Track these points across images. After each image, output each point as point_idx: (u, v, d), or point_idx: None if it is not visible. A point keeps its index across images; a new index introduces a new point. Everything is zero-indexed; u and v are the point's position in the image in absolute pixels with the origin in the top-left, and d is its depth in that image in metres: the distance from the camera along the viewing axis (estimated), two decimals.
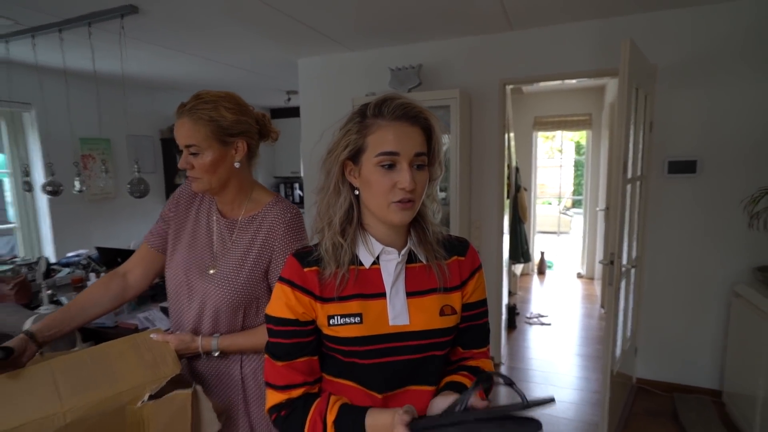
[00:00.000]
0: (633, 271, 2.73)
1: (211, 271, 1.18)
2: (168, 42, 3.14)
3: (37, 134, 3.82)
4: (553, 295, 5.21)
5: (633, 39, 2.09)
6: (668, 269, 2.83)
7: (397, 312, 0.80)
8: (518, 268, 5.35)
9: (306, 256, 0.83)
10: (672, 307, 2.85)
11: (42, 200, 3.96)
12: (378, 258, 0.82)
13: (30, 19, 2.61)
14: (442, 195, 2.99)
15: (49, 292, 2.49)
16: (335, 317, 0.80)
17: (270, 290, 1.19)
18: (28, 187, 3.01)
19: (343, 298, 0.80)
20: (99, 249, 3.15)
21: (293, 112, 6.41)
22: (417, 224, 0.85)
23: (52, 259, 3.62)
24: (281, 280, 0.83)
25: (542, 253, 6.23)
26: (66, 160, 3.54)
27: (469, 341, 0.91)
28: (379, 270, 0.82)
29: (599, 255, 5.19)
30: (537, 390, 3.05)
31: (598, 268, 5.27)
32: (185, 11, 2.54)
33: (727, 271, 2.67)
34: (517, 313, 4.34)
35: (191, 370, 1.23)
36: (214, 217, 1.23)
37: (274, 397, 0.83)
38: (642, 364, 2.97)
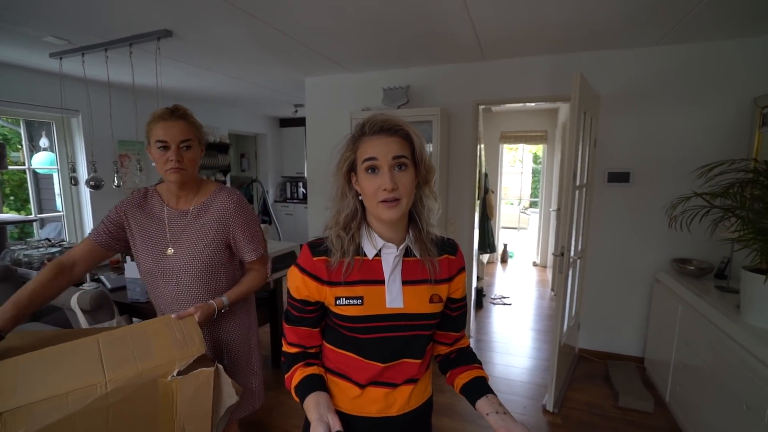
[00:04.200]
0: (578, 261, 2.83)
1: (169, 251, 1.27)
2: (196, 61, 3.12)
3: (82, 136, 3.78)
4: (513, 280, 5.30)
5: (582, 72, 2.17)
6: (606, 260, 2.93)
7: (393, 296, 0.83)
8: (485, 257, 5.43)
9: (317, 246, 0.85)
10: (608, 290, 2.95)
11: (85, 192, 3.91)
12: (380, 251, 0.84)
13: (81, 39, 2.58)
14: None
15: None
16: (341, 298, 0.82)
17: (232, 255, 1.35)
18: (75, 181, 2.98)
19: (349, 283, 0.82)
20: None
21: (299, 122, 6.41)
22: (414, 224, 0.86)
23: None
24: (296, 265, 0.86)
25: (505, 245, 6.31)
26: (106, 158, 3.50)
27: (460, 325, 0.96)
28: (380, 261, 0.84)
29: (551, 247, 5.30)
30: (500, 358, 3.12)
31: (550, 258, 5.39)
32: (212, 37, 2.53)
33: (651, 262, 2.78)
34: (484, 295, 4.42)
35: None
36: (165, 210, 1.30)
37: (283, 346, 0.91)
38: (583, 336, 3.07)
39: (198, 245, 1.27)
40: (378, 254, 0.84)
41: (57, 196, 4.06)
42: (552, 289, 4.67)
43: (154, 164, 1.27)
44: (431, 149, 2.99)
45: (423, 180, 0.83)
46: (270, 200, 6.42)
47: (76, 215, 3.99)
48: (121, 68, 2.98)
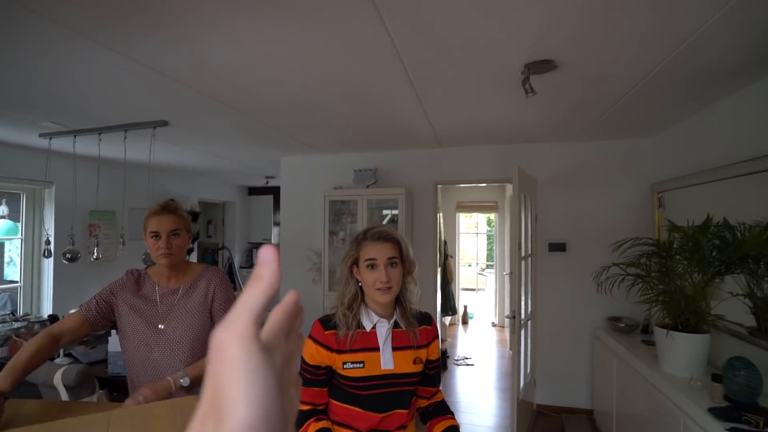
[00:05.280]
0: (529, 322, 3.18)
1: (161, 326, 1.42)
2: (185, 144, 3.41)
3: (53, 207, 3.81)
4: (474, 341, 5.54)
5: (520, 166, 2.69)
6: (553, 320, 3.31)
7: (386, 360, 1.09)
8: (447, 320, 5.69)
9: (327, 322, 1.12)
10: (557, 348, 3.29)
11: (48, 263, 3.84)
12: (375, 325, 1.12)
13: (76, 124, 2.80)
14: None
15: None
16: (347, 363, 1.08)
17: (213, 323, 1.45)
18: (48, 253, 3.00)
19: (353, 350, 1.09)
20: None
21: (267, 190, 6.72)
22: (400, 304, 1.16)
23: (48, 314, 3.47)
24: (310, 337, 1.11)
25: (465, 307, 6.60)
26: (77, 228, 3.53)
27: (436, 381, 1.23)
28: (375, 333, 1.12)
29: (507, 309, 5.68)
30: (465, 417, 3.27)
31: (509, 323, 5.74)
32: (202, 125, 2.84)
33: (590, 321, 3.19)
34: (448, 357, 4.61)
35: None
36: (156, 290, 1.48)
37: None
38: (540, 392, 3.33)
39: (189, 317, 1.43)
40: (374, 327, 1.12)
41: (6, 266, 3.91)
42: (510, 349, 4.95)
43: (149, 251, 1.48)
44: (397, 216, 3.38)
45: (407, 271, 1.15)
46: (236, 266, 6.44)
47: (35, 285, 3.87)
48: (112, 147, 3.18)
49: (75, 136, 2.95)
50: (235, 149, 3.70)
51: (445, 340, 5.31)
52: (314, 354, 1.09)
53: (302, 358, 1.11)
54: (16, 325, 2.76)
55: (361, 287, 1.13)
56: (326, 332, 1.09)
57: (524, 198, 2.90)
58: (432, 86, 2.07)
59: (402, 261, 1.12)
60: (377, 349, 1.10)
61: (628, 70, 1.85)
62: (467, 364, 4.53)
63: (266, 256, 0.24)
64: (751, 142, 1.99)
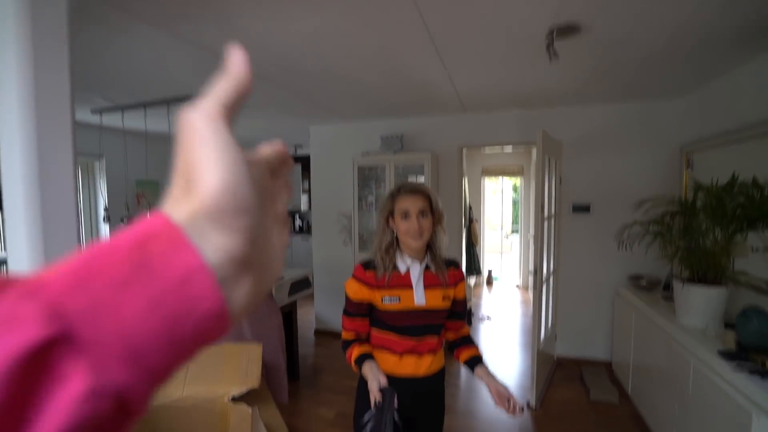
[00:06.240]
0: (551, 279, 3.32)
1: None
2: None
3: (104, 177, 4.17)
4: (498, 301, 5.74)
5: (545, 129, 2.74)
6: (575, 277, 3.44)
7: (419, 296, 1.28)
8: (472, 280, 5.90)
9: (367, 264, 1.31)
10: (578, 304, 3.45)
11: (104, 227, 4.25)
12: (409, 267, 1.30)
13: (123, 99, 3.04)
14: None
15: None
16: (386, 297, 1.28)
17: None
18: (108, 219, 3.35)
19: (390, 287, 1.28)
20: None
21: (295, 159, 6.92)
22: (431, 250, 1.33)
23: None
24: (353, 276, 1.31)
25: (490, 271, 6.80)
26: (125, 196, 3.89)
27: (462, 316, 1.42)
28: (409, 274, 1.30)
29: (531, 269, 5.82)
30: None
31: (531, 280, 5.89)
32: None
33: (612, 278, 3.31)
34: (472, 315, 4.85)
35: None
36: None
37: (343, 334, 1.35)
38: (560, 346, 3.53)
39: None
40: (407, 269, 1.31)
41: None
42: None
43: None
44: (423, 182, 3.52)
45: (436, 221, 1.32)
46: None
47: None
48: (156, 120, 3.43)
49: (123, 111, 3.19)
50: (267, 120, 3.87)
51: (470, 300, 5.53)
52: (357, 290, 1.29)
53: (346, 295, 1.32)
54: None
55: (396, 235, 1.30)
56: (366, 272, 1.29)
57: (548, 161, 2.96)
58: (457, 52, 2.14)
59: (432, 212, 1.29)
60: (411, 286, 1.29)
61: (652, 31, 1.86)
62: (491, 322, 4.76)
63: (236, 55, 0.24)
64: None
